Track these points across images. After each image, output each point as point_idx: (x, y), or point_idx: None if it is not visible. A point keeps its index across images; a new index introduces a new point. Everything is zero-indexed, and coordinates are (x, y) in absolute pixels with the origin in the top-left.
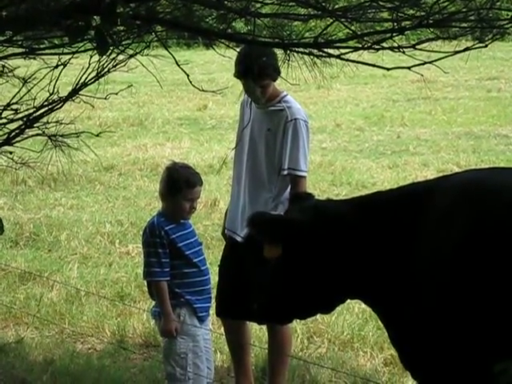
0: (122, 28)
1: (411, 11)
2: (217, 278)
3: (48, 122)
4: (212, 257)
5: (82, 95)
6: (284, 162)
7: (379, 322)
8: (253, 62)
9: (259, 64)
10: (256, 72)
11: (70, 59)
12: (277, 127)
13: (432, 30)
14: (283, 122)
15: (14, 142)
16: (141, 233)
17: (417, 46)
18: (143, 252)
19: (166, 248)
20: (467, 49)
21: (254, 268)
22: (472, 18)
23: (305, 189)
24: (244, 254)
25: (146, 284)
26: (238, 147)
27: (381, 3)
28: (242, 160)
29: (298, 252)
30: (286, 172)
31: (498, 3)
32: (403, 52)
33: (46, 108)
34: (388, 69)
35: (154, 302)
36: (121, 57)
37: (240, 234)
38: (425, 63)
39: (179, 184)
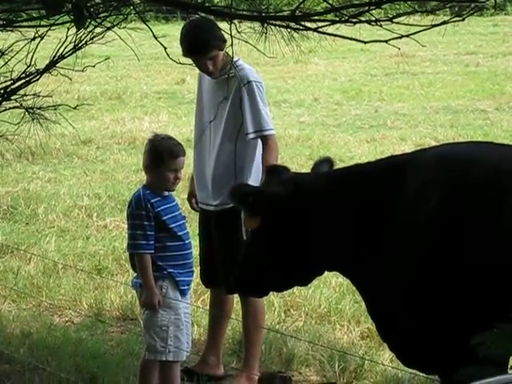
0: (99, 0)
1: None
2: (197, 251)
3: (25, 95)
4: (190, 230)
5: (60, 68)
6: (248, 127)
7: (356, 296)
8: (195, 37)
9: (202, 38)
10: (201, 46)
11: (47, 32)
12: (232, 94)
13: (410, 3)
14: (237, 88)
15: None
16: (118, 206)
17: (394, 20)
18: (128, 224)
19: (151, 221)
20: (444, 22)
21: (225, 238)
22: None
23: (276, 145)
24: (217, 224)
25: (127, 256)
26: (197, 119)
27: None
28: (202, 130)
29: (277, 224)
30: (252, 136)
31: None
32: (380, 26)
33: (24, 80)
34: (365, 42)
35: (133, 275)
36: (98, 30)
37: (213, 203)
38: (402, 37)
39: (162, 155)
